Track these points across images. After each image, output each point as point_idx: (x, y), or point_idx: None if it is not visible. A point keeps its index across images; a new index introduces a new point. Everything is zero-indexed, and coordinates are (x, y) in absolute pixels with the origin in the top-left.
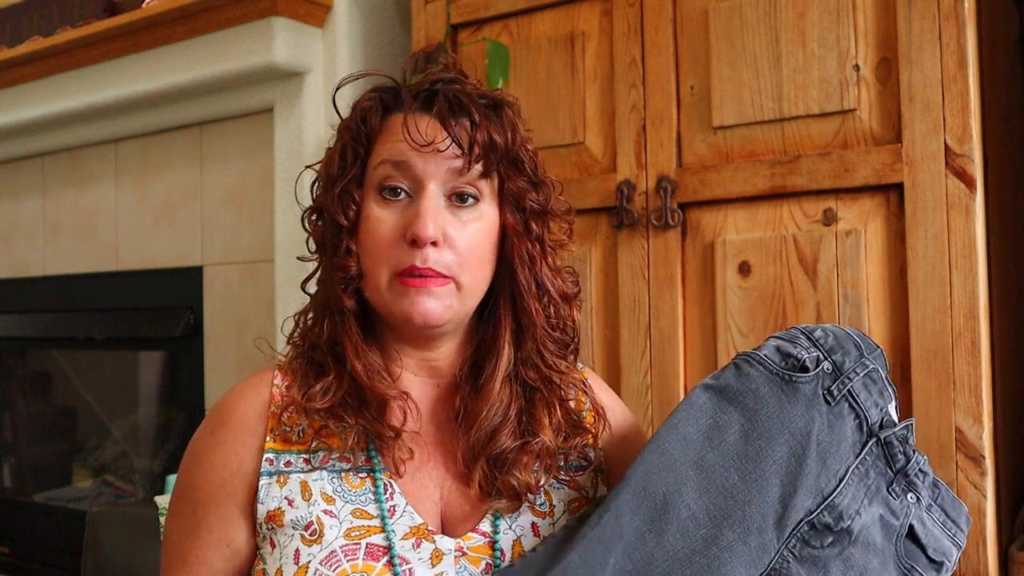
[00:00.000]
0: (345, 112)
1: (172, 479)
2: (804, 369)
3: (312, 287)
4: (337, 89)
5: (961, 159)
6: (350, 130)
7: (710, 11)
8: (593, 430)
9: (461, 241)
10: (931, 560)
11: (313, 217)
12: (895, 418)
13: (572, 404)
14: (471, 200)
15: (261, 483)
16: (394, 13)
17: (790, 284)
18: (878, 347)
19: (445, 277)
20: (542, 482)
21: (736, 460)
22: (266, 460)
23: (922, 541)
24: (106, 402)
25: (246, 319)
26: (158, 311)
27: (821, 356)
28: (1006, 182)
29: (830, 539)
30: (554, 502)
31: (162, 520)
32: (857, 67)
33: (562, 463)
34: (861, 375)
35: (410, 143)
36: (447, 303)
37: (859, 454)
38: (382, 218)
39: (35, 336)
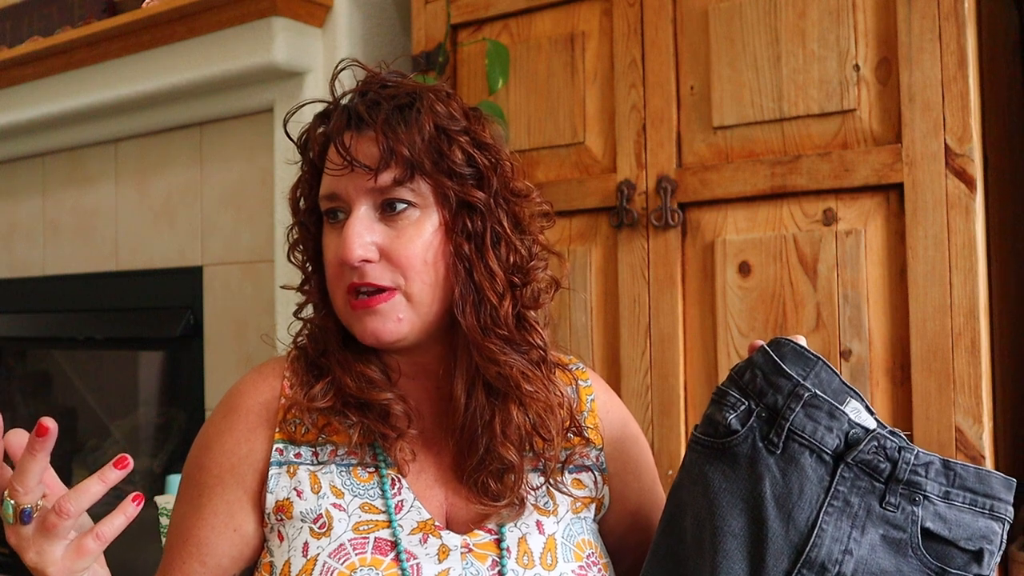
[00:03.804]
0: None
1: (172, 479)
2: (734, 431)
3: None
4: (285, 123)
5: (961, 159)
6: (303, 161)
7: (710, 11)
8: (590, 433)
9: (397, 251)
10: (965, 551)
11: (289, 240)
12: (865, 421)
13: (568, 407)
14: (401, 207)
15: (271, 472)
16: (394, 13)
17: (790, 284)
18: (817, 358)
19: (390, 290)
20: (534, 485)
21: (697, 550)
22: (276, 450)
23: (947, 536)
24: (106, 402)
25: (246, 319)
26: (158, 311)
27: (752, 405)
28: (1006, 182)
29: None
30: (557, 501)
31: (162, 520)
32: (857, 67)
33: (562, 465)
34: (798, 408)
35: (327, 171)
36: (396, 316)
37: (829, 488)
38: (328, 243)
39: (35, 336)
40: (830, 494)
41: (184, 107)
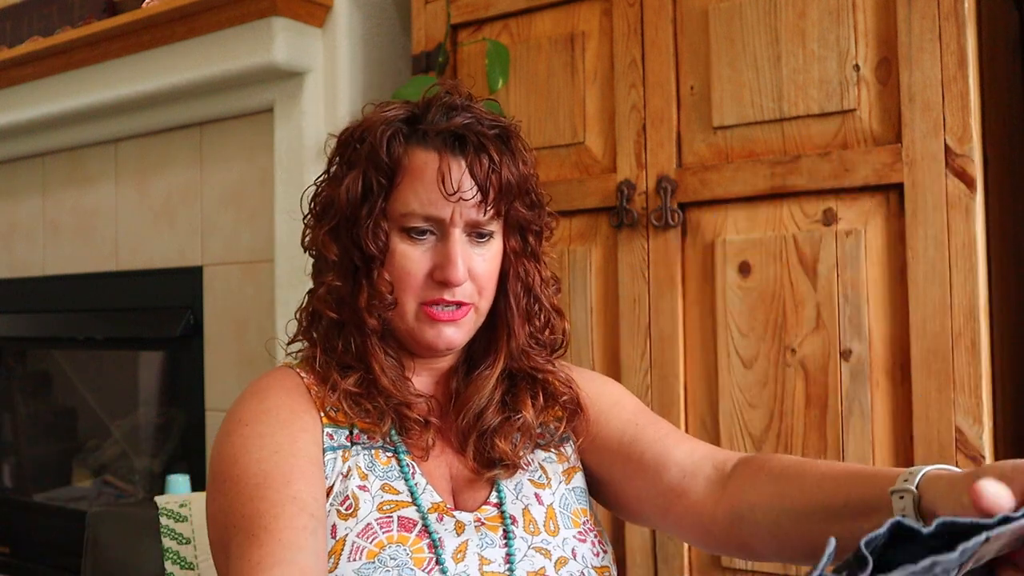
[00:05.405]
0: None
1: (172, 479)
2: None
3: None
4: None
5: (961, 159)
6: (371, 160)
7: (710, 11)
8: (566, 413)
9: (480, 272)
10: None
11: (326, 235)
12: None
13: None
14: (488, 237)
15: (327, 458)
16: (394, 13)
17: (790, 284)
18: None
19: (468, 305)
20: (523, 451)
21: None
22: (327, 435)
23: None
24: (106, 402)
25: (246, 319)
26: (158, 311)
27: None
28: (1006, 182)
29: None
30: (549, 474)
31: (162, 520)
32: (857, 67)
33: (547, 440)
34: None
35: (443, 193)
36: (467, 329)
37: None
38: (411, 255)
39: (35, 336)
40: None
41: (184, 107)
